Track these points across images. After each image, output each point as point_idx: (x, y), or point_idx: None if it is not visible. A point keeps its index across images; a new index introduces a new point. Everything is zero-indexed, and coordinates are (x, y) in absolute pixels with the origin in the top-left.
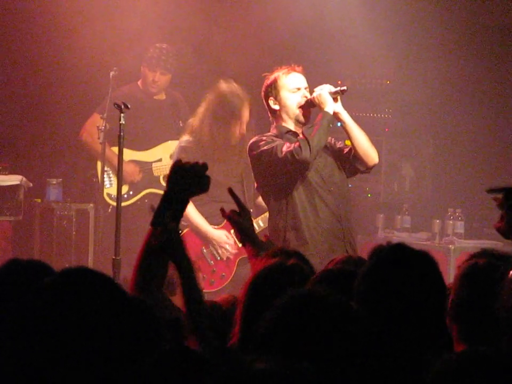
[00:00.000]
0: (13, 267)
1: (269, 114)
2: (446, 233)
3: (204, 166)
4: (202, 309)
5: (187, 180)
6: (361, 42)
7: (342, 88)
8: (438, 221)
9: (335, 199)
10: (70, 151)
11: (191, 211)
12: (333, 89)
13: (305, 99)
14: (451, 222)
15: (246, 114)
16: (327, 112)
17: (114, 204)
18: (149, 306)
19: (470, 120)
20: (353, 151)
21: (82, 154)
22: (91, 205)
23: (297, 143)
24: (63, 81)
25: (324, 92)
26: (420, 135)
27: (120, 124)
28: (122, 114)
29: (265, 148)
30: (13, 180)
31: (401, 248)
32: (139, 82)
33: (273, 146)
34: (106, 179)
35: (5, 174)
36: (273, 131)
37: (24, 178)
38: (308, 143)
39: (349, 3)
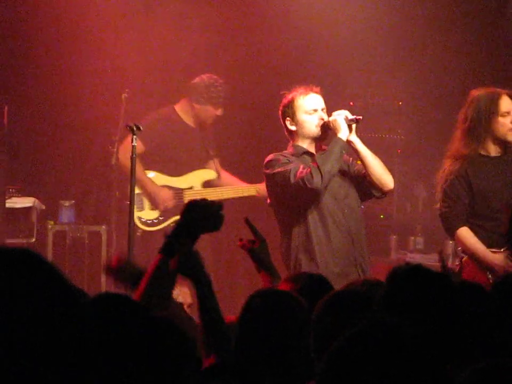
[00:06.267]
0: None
1: (286, 133)
2: (459, 254)
3: (219, 205)
4: (222, 329)
5: (201, 217)
6: (372, 63)
7: (358, 117)
8: (451, 242)
9: (348, 221)
10: (82, 173)
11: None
12: (350, 116)
13: (322, 121)
14: None
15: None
16: (339, 139)
17: (145, 228)
18: (180, 329)
19: None
20: (367, 177)
21: (95, 176)
22: (103, 227)
23: (309, 170)
24: (76, 103)
25: (339, 118)
26: (432, 155)
27: (133, 146)
28: (134, 136)
29: (280, 169)
30: (25, 202)
31: (418, 270)
32: (176, 107)
33: (287, 170)
34: (137, 202)
35: (18, 197)
36: (290, 149)
37: (37, 201)
38: (320, 171)
39: (361, 23)
